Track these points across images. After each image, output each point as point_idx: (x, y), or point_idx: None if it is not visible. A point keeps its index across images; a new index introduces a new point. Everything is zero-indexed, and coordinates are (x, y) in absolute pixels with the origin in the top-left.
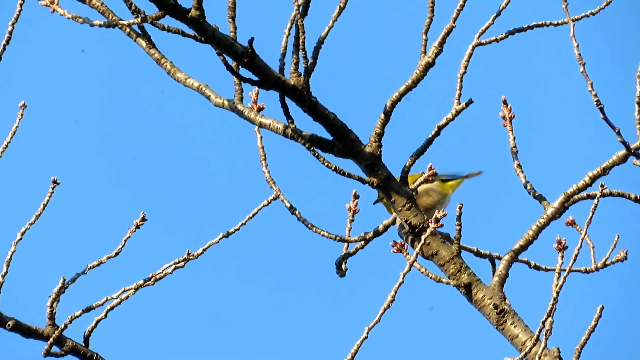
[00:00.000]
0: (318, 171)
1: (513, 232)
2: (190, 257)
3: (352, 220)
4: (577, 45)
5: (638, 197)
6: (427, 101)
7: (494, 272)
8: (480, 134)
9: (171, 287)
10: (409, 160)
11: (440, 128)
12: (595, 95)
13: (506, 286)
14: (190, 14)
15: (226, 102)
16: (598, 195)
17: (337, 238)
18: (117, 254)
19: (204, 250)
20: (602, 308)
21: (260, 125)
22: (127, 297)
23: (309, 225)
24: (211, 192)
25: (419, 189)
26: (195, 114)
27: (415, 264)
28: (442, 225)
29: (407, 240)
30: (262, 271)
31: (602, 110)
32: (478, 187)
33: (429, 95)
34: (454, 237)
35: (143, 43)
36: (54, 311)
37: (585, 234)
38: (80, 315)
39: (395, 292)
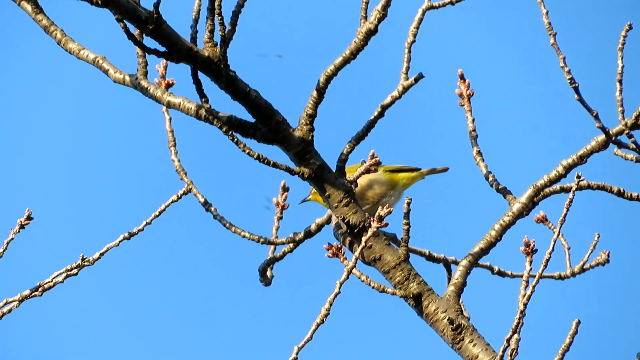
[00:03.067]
0: (239, 160)
1: (472, 233)
2: (85, 263)
3: (280, 218)
4: (547, 12)
5: (621, 190)
6: (369, 76)
7: (449, 280)
8: (432, 116)
9: (62, 298)
10: (347, 146)
11: (384, 108)
12: (569, 72)
13: (464, 296)
14: None
15: (127, 78)
16: (574, 188)
17: (261, 240)
18: None
19: (102, 254)
20: (579, 323)
21: (169, 105)
22: (9, 311)
23: (227, 225)
24: (110, 185)
25: (359, 180)
26: (91, 92)
27: (354, 271)
28: (386, 225)
29: (345, 243)
30: (171, 279)
31: (576, 89)
32: (430, 180)
33: (370, 70)
34: (401, 239)
35: (28, 7)
36: None
37: (558, 234)
38: None
39: (330, 305)
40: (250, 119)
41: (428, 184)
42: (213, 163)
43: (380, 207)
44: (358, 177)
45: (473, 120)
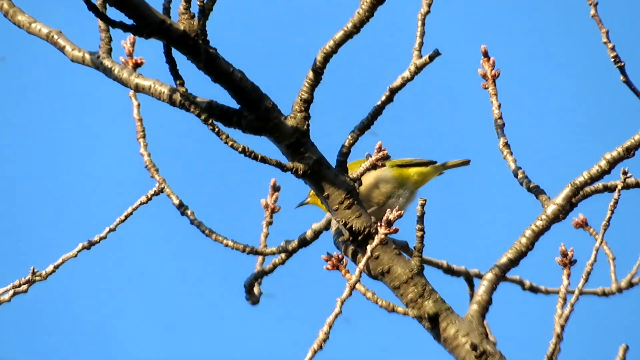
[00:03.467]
0: (220, 154)
1: (499, 240)
2: (37, 278)
3: (270, 223)
4: None
5: None
6: (375, 54)
7: (471, 297)
8: (450, 101)
9: (10, 317)
10: (349, 137)
11: (393, 92)
12: (613, 49)
13: (489, 317)
14: None
15: (87, 56)
16: (619, 187)
17: (247, 249)
18: None
19: (56, 267)
20: (627, 348)
21: (137, 89)
22: None
23: (206, 231)
24: (67, 183)
25: (364, 178)
26: (44, 73)
27: (358, 286)
28: (396, 231)
29: (347, 253)
30: (139, 297)
31: (622, 69)
32: (448, 176)
33: (377, 46)
34: (414, 248)
35: None
36: None
37: (601, 241)
38: None
39: (330, 327)
40: (234, 105)
41: (445, 182)
42: (190, 158)
43: (388, 209)
44: (362, 173)
45: (499, 105)
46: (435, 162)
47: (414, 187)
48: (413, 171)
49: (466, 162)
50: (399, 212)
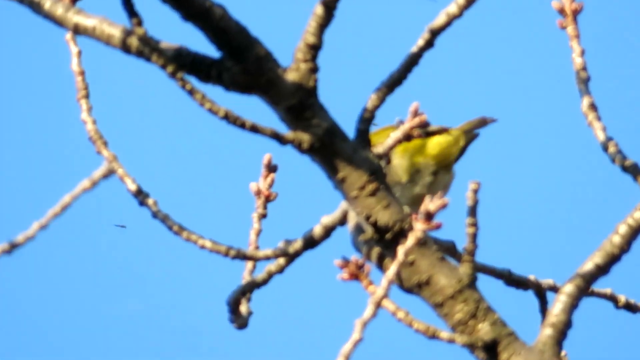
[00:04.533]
0: (195, 120)
1: (581, 239)
2: None
3: (264, 216)
4: None
5: None
6: None
7: (544, 317)
8: (510, 45)
9: None
10: (374, 97)
11: (434, 33)
12: None
13: (569, 344)
14: None
15: None
16: None
17: (232, 252)
18: None
19: None
20: None
21: (77, 31)
22: None
23: (175, 228)
24: None
25: (395, 152)
26: None
27: (385, 302)
28: (439, 227)
29: (371, 257)
30: (84, 316)
31: None
32: (501, 150)
33: None
34: (464, 250)
35: None
36: None
37: None
38: None
39: None
40: (213, 53)
41: (497, 156)
42: (152, 126)
43: (428, 196)
44: (392, 147)
45: (582, 52)
46: (448, 129)
47: (434, 166)
48: (429, 143)
49: (486, 121)
50: (443, 199)
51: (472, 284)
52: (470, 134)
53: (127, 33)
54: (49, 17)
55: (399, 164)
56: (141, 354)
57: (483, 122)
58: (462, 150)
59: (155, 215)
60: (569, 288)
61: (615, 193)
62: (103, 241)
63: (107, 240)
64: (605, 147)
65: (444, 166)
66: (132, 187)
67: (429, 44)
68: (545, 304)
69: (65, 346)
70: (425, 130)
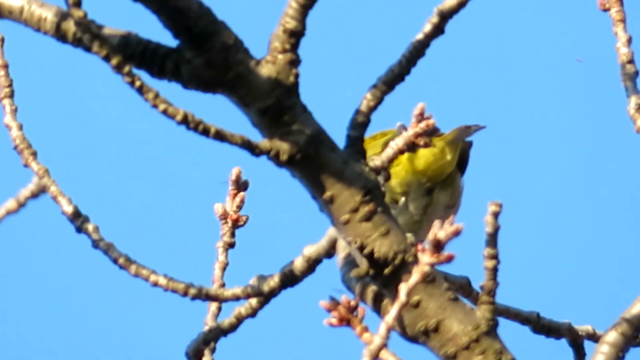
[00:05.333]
0: (147, 125)
1: (626, 276)
2: None
3: (231, 246)
4: None
5: None
6: None
7: None
8: (541, 32)
9: None
10: (369, 96)
11: (445, 17)
12: None
13: None
14: None
15: None
16: None
17: (193, 291)
18: None
19: None
20: None
21: (0, 14)
22: None
23: (121, 260)
24: None
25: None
26: None
27: (384, 354)
28: (450, 259)
29: (365, 297)
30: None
31: None
32: (532, 161)
33: None
34: (482, 288)
35: None
36: None
37: None
38: None
39: None
40: (169, 41)
41: (520, 169)
42: (92, 134)
43: (437, 222)
44: (394, 157)
45: (629, 40)
46: (440, 132)
47: (426, 183)
48: (414, 157)
49: (472, 129)
50: (456, 226)
51: (491, 330)
52: (457, 144)
53: (63, 16)
54: None
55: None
56: None
57: (466, 131)
58: (461, 163)
59: (96, 244)
60: (612, 336)
61: None
62: (32, 273)
63: (38, 270)
64: None
65: (439, 182)
66: (68, 209)
67: (438, 29)
68: (582, 356)
69: None
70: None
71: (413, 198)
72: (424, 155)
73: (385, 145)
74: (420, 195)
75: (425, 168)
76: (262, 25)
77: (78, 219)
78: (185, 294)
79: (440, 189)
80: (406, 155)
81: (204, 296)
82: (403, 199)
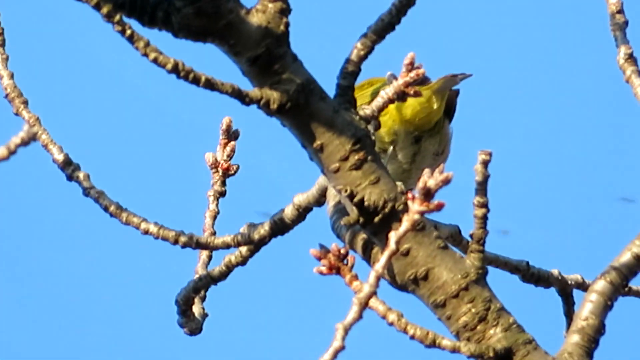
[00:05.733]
0: (137, 74)
1: (616, 225)
2: None
3: (222, 195)
4: None
5: None
6: None
7: (570, 319)
8: None
9: None
10: (359, 45)
11: None
12: None
13: (601, 354)
14: None
15: None
16: None
17: (183, 239)
18: None
19: None
20: None
21: None
22: None
23: (112, 208)
24: None
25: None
26: None
27: (373, 302)
28: (440, 207)
29: (355, 245)
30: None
31: None
32: (523, 111)
33: None
34: (471, 237)
35: None
36: None
37: None
38: None
39: None
40: None
41: (510, 118)
42: (82, 82)
43: (427, 170)
44: (383, 107)
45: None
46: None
47: (414, 132)
48: (401, 106)
49: (459, 78)
50: (446, 174)
51: (481, 279)
52: (444, 92)
53: None
54: None
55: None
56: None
57: (452, 80)
58: (448, 111)
59: (87, 192)
60: (600, 285)
61: None
62: (24, 220)
63: (29, 218)
64: None
65: (427, 130)
66: (59, 157)
67: None
68: (571, 304)
69: None
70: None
71: (401, 147)
72: (411, 105)
73: (375, 94)
74: (408, 144)
75: (412, 117)
76: None
77: (69, 167)
78: (175, 242)
79: (428, 137)
80: (394, 104)
81: (195, 244)
82: (391, 147)
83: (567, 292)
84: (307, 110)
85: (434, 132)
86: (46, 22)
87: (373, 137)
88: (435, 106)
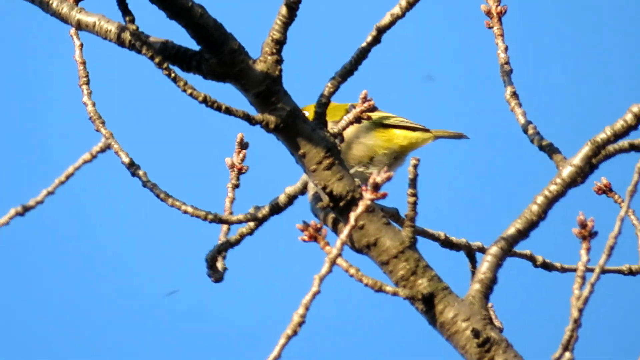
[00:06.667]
0: (178, 104)
1: (505, 208)
2: None
3: (237, 186)
4: None
5: None
6: None
7: (473, 274)
8: (448, 42)
9: None
10: (329, 85)
11: (380, 31)
12: None
13: (494, 298)
14: None
15: None
16: None
17: (210, 216)
18: None
19: None
20: None
21: (79, 27)
22: None
23: (161, 195)
24: None
25: (347, 132)
26: None
27: (339, 261)
28: (385, 196)
29: (327, 221)
30: (83, 270)
31: None
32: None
33: None
34: (405, 216)
35: None
36: None
37: (627, 209)
38: None
39: (306, 310)
40: (193, 46)
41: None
42: (142, 108)
43: (375, 170)
44: (345, 127)
45: (506, 48)
46: (428, 130)
47: (399, 152)
48: (403, 135)
49: (461, 136)
50: (388, 173)
51: (412, 245)
52: (432, 139)
53: (122, 29)
54: (55, 14)
55: (374, 144)
56: (131, 305)
57: (458, 136)
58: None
59: (145, 184)
60: (494, 249)
61: (534, 169)
62: (100, 204)
63: (105, 202)
64: (525, 130)
65: (405, 154)
66: (126, 160)
67: (376, 40)
68: (474, 263)
69: (66, 292)
70: (412, 125)
71: (386, 159)
72: (412, 137)
73: (341, 118)
74: (390, 158)
75: (407, 144)
76: (257, 34)
77: (132, 167)
78: (205, 219)
79: (401, 158)
80: (400, 133)
81: (218, 220)
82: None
83: (472, 254)
84: (294, 129)
85: (405, 155)
86: (117, 68)
87: (339, 147)
88: (425, 143)
